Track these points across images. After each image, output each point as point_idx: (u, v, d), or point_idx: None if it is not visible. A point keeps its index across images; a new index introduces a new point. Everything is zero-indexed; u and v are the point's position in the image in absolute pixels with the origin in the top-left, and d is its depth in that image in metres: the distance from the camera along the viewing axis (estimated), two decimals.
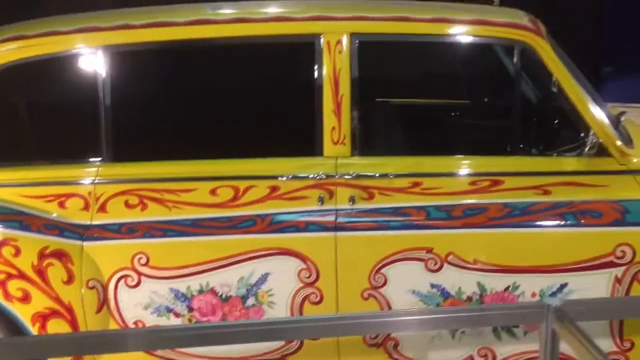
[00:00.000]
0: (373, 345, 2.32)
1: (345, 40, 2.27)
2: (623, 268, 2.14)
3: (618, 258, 2.14)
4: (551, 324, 1.42)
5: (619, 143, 2.25)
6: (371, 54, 2.30)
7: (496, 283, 2.21)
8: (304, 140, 2.32)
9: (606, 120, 2.25)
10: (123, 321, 2.38)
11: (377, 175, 2.29)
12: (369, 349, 2.32)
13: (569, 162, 2.26)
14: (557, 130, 2.27)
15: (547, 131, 2.28)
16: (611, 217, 2.15)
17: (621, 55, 5.15)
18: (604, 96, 5.49)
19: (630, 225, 2.14)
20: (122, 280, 2.35)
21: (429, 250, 2.22)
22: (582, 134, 2.22)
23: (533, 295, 2.20)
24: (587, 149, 2.23)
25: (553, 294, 2.19)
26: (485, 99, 2.60)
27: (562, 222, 2.17)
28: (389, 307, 2.28)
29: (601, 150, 2.25)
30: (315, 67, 2.29)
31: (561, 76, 2.23)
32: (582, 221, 2.16)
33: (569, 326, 1.34)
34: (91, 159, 2.40)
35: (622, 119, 2.48)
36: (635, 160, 2.26)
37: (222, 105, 2.42)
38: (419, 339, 2.29)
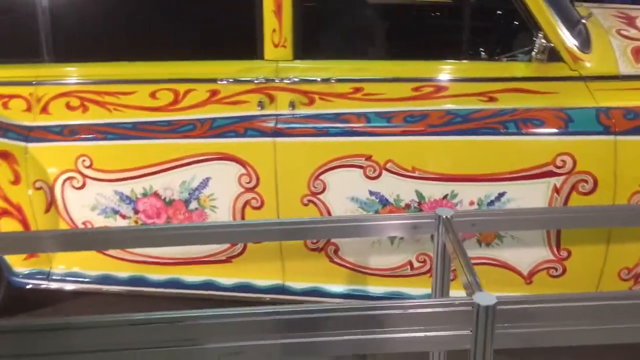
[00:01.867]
0: (314, 250, 2.34)
1: None
2: (562, 177, 2.09)
3: (558, 167, 2.09)
4: (442, 234, 1.41)
5: (571, 47, 2.13)
6: None
7: (434, 191, 2.18)
8: (245, 42, 2.24)
9: (559, 23, 2.12)
10: (72, 221, 2.43)
11: (318, 79, 2.21)
12: (311, 253, 2.35)
13: (518, 68, 2.15)
14: (507, 33, 2.15)
15: (496, 35, 2.16)
16: (553, 125, 2.07)
17: None
18: None
19: (572, 134, 2.06)
20: (68, 182, 2.38)
21: (368, 158, 2.19)
22: (533, 38, 2.10)
23: (471, 203, 2.18)
24: (537, 53, 2.11)
25: (491, 203, 2.17)
26: (430, 2, 2.46)
27: (503, 130, 2.10)
28: (329, 213, 2.28)
29: (553, 55, 2.13)
30: None
31: None
32: (523, 129, 2.09)
33: (452, 237, 1.33)
34: (32, 60, 2.37)
35: (584, 21, 2.35)
36: (589, 65, 2.15)
37: (163, 5, 2.33)
38: (358, 245, 2.31)
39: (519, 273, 2.26)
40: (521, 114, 2.11)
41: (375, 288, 2.38)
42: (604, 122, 2.06)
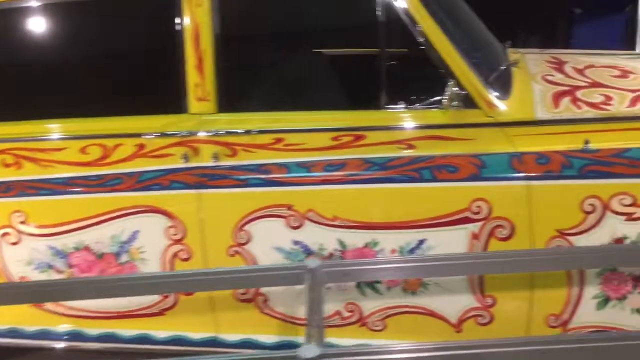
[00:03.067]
0: (244, 301, 2.34)
1: None
2: (479, 224, 2.08)
3: (474, 213, 2.08)
4: (310, 285, 1.40)
5: (486, 94, 2.15)
6: (234, 6, 2.23)
7: (356, 239, 2.18)
8: (169, 97, 2.30)
9: (473, 70, 2.14)
10: (9, 277, 2.46)
11: (241, 131, 2.26)
12: (241, 304, 2.34)
13: (435, 115, 2.17)
14: (424, 81, 2.18)
15: (414, 83, 2.19)
16: (467, 171, 2.08)
17: None
18: (575, 40, 5.27)
19: (485, 179, 2.06)
20: (4, 238, 2.42)
21: (289, 207, 2.20)
22: (449, 85, 2.13)
23: (393, 251, 2.17)
24: (452, 100, 2.14)
25: (412, 250, 2.16)
26: (350, 51, 2.51)
27: (419, 177, 2.11)
28: (255, 264, 2.29)
29: (468, 102, 2.15)
30: (177, 21, 2.24)
31: (426, 25, 2.13)
32: (438, 176, 2.10)
33: (318, 287, 1.32)
34: None
35: (504, 67, 2.36)
36: (505, 111, 2.16)
37: (91, 62, 2.41)
38: (286, 294, 2.30)
39: (448, 321, 2.23)
40: (437, 161, 2.12)
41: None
42: (516, 168, 2.06)
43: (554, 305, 2.13)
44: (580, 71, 2.47)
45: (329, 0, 2.24)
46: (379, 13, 2.13)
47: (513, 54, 2.71)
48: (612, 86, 2.33)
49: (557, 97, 2.26)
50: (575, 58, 2.66)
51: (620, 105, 2.20)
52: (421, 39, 2.14)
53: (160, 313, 2.41)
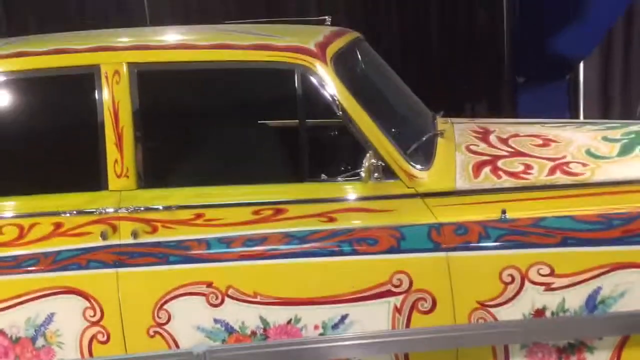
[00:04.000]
0: None
1: (123, 70, 2.22)
2: (401, 297, 2.04)
3: (395, 287, 2.05)
4: None
5: (406, 165, 2.16)
6: (153, 83, 2.24)
7: (278, 316, 2.12)
8: (89, 174, 2.26)
9: (392, 143, 2.15)
10: None
11: (161, 207, 2.22)
12: None
13: (356, 187, 2.16)
14: (344, 154, 2.19)
15: (334, 156, 2.20)
16: (387, 244, 2.05)
17: (534, 66, 5.08)
18: (520, 108, 5.42)
19: (405, 252, 2.04)
20: None
21: (209, 285, 2.14)
22: (367, 157, 2.13)
23: (316, 327, 2.11)
24: (374, 172, 2.14)
25: (335, 326, 2.10)
26: (269, 126, 2.52)
27: (339, 251, 2.08)
28: (176, 344, 2.19)
29: (388, 174, 2.16)
30: (96, 99, 2.24)
31: (343, 99, 2.15)
32: (358, 249, 2.07)
33: None
34: None
35: (425, 138, 2.37)
36: (426, 182, 2.16)
37: (9, 139, 2.36)
38: None
39: None
40: (357, 234, 2.10)
41: None
42: (434, 239, 2.04)
43: None
44: (504, 141, 2.51)
45: (248, 74, 2.25)
46: (297, 85, 2.15)
47: (442, 124, 2.75)
48: (533, 155, 2.35)
49: (478, 167, 2.27)
50: (501, 127, 2.70)
51: (539, 175, 2.22)
52: (339, 113, 2.16)
53: None
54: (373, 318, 2.06)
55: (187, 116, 2.32)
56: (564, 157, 2.34)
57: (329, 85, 2.16)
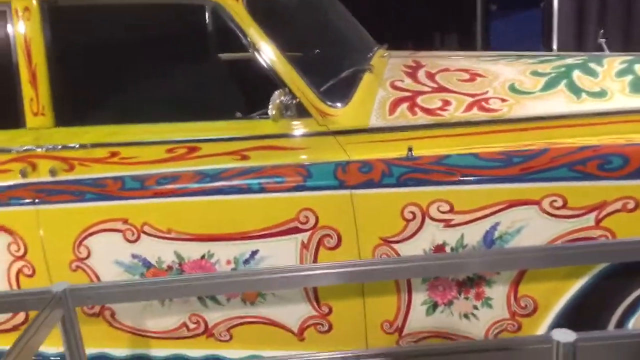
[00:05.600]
0: (92, 315, 2.33)
1: (33, 5, 2.19)
2: (308, 233, 2.08)
3: (302, 223, 2.08)
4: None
5: (318, 102, 2.14)
6: (65, 19, 2.21)
7: (192, 251, 2.18)
8: (7, 112, 2.27)
9: (303, 79, 2.13)
10: None
11: (76, 146, 2.24)
12: (91, 318, 2.33)
13: (268, 125, 2.16)
14: (258, 91, 2.17)
15: (248, 93, 2.18)
16: (293, 181, 2.07)
17: None
18: (492, 39, 5.30)
19: (310, 189, 2.06)
20: None
21: (125, 221, 2.19)
22: (279, 94, 2.11)
23: (228, 262, 2.17)
24: (286, 110, 2.13)
25: (246, 261, 2.15)
26: (183, 63, 2.49)
27: (248, 188, 2.10)
28: (97, 278, 2.27)
29: (301, 111, 2.15)
30: (9, 37, 2.22)
31: (254, 36, 2.12)
32: (266, 187, 2.09)
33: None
34: None
35: (346, 74, 2.34)
36: (339, 119, 2.16)
37: None
38: (132, 308, 2.29)
39: (290, 330, 2.23)
40: (266, 172, 2.11)
41: (159, 350, 2.35)
42: (339, 177, 2.05)
43: (386, 312, 2.13)
44: (431, 76, 2.47)
45: (160, 10, 2.21)
46: (208, 21, 2.12)
47: (378, 58, 2.71)
48: (455, 91, 2.33)
49: (396, 104, 2.26)
50: (434, 61, 2.66)
51: (455, 111, 2.20)
52: (251, 50, 2.14)
53: (14, 329, 2.39)
54: (282, 254, 2.11)
55: (101, 53, 2.30)
56: (485, 92, 2.31)
57: (239, 20, 2.12)
